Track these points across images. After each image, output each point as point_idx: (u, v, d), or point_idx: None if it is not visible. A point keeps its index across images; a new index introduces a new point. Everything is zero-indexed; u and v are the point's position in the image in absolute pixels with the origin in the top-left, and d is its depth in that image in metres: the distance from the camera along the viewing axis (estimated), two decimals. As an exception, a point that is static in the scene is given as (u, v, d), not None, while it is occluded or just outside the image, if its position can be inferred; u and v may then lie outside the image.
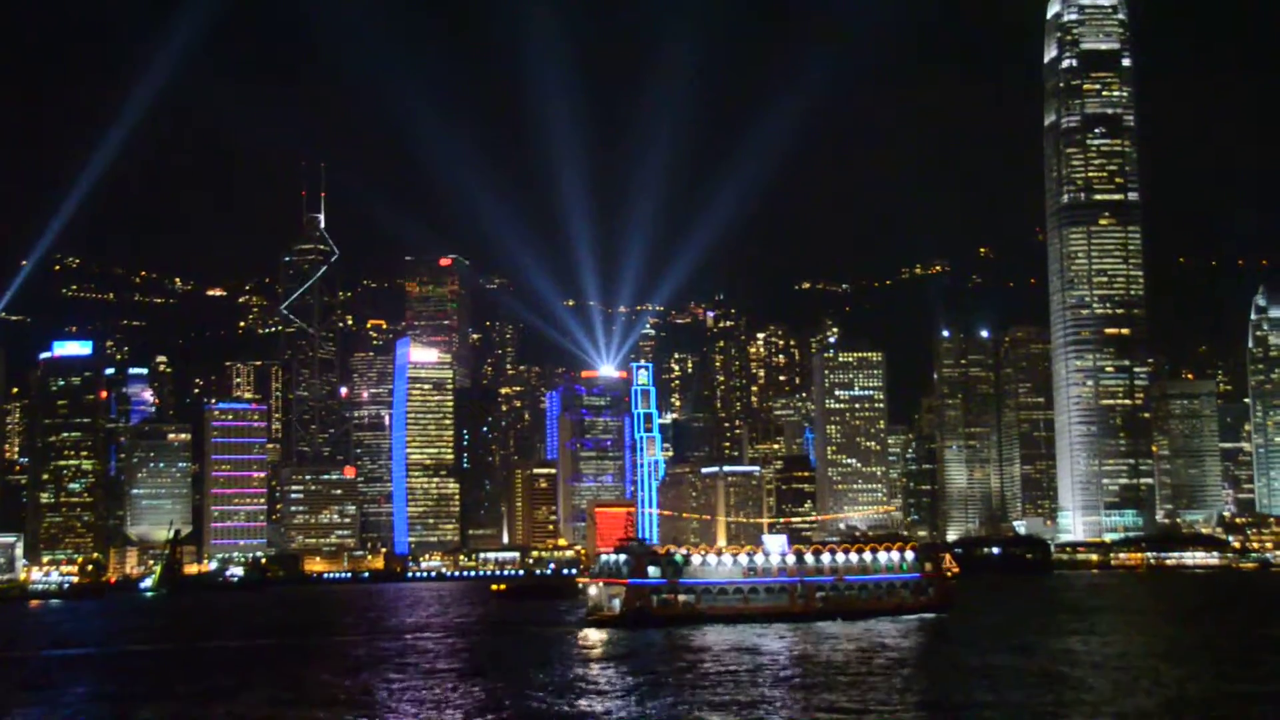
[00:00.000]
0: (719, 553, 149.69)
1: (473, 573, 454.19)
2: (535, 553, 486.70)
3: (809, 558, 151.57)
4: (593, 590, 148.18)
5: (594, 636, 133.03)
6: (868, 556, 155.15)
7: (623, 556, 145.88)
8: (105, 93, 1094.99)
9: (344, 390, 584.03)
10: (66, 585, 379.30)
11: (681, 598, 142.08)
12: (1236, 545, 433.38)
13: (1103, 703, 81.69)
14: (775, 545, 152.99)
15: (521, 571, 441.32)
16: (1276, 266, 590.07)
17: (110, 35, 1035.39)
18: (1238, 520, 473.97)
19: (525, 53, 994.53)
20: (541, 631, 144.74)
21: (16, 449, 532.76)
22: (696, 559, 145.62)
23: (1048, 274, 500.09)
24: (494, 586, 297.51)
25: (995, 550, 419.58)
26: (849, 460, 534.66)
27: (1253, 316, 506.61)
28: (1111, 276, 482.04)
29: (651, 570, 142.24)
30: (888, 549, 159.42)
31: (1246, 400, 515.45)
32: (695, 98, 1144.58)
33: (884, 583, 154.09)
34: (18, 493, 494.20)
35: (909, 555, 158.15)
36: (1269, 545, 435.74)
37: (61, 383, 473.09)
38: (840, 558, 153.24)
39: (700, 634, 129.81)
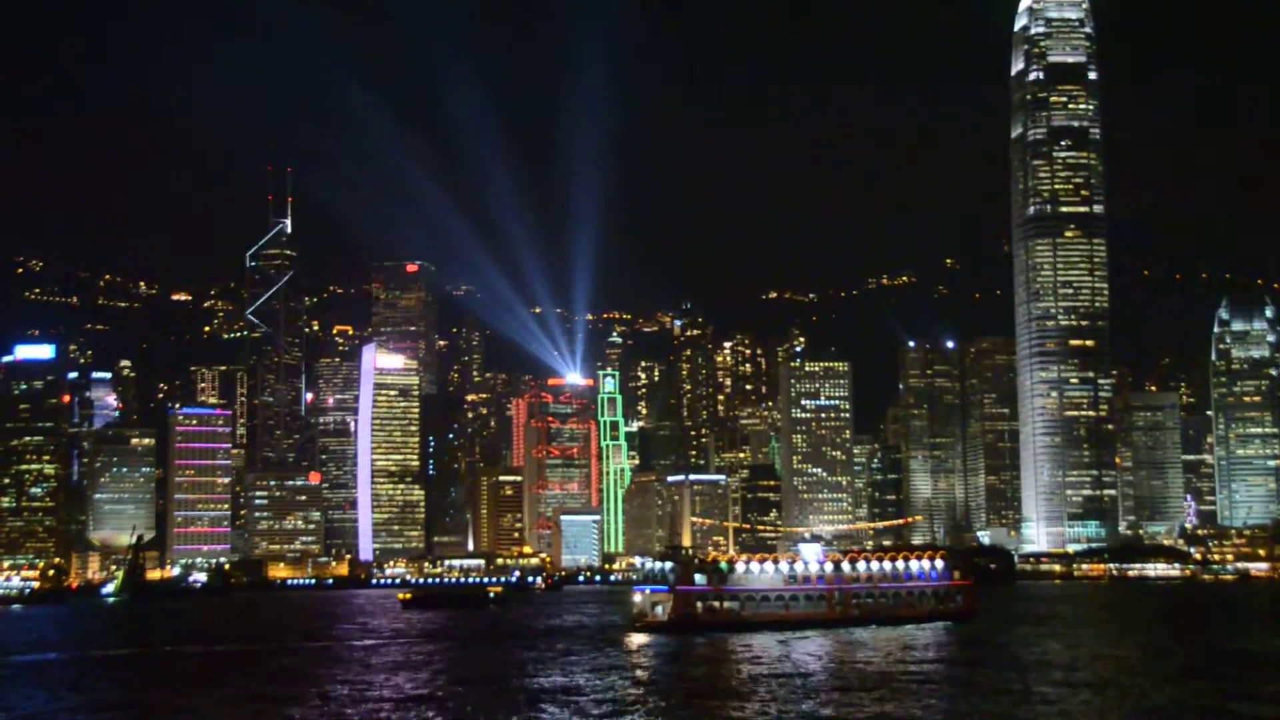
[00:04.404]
0: (760, 560, 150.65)
1: (437, 580, 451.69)
2: (500, 560, 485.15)
3: (845, 566, 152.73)
4: (637, 596, 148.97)
5: (640, 641, 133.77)
6: (900, 565, 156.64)
7: (669, 564, 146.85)
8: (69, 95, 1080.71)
9: (309, 396, 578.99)
10: (28, 590, 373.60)
11: (726, 604, 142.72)
12: (1198, 557, 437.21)
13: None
14: (811, 554, 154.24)
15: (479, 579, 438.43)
16: (1239, 280, 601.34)
17: (73, 34, 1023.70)
18: (1199, 532, 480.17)
19: (486, 61, 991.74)
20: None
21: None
22: (740, 567, 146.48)
23: (1013, 285, 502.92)
24: (400, 595, 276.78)
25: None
26: (814, 469, 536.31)
27: (1215, 330, 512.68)
28: (1076, 288, 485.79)
29: (698, 577, 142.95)
30: (919, 558, 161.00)
31: (1209, 413, 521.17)
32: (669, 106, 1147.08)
33: (915, 590, 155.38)
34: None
35: (939, 564, 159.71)
36: (1230, 557, 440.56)
37: (24, 386, 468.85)
38: (875, 566, 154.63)
39: (751, 639, 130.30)
